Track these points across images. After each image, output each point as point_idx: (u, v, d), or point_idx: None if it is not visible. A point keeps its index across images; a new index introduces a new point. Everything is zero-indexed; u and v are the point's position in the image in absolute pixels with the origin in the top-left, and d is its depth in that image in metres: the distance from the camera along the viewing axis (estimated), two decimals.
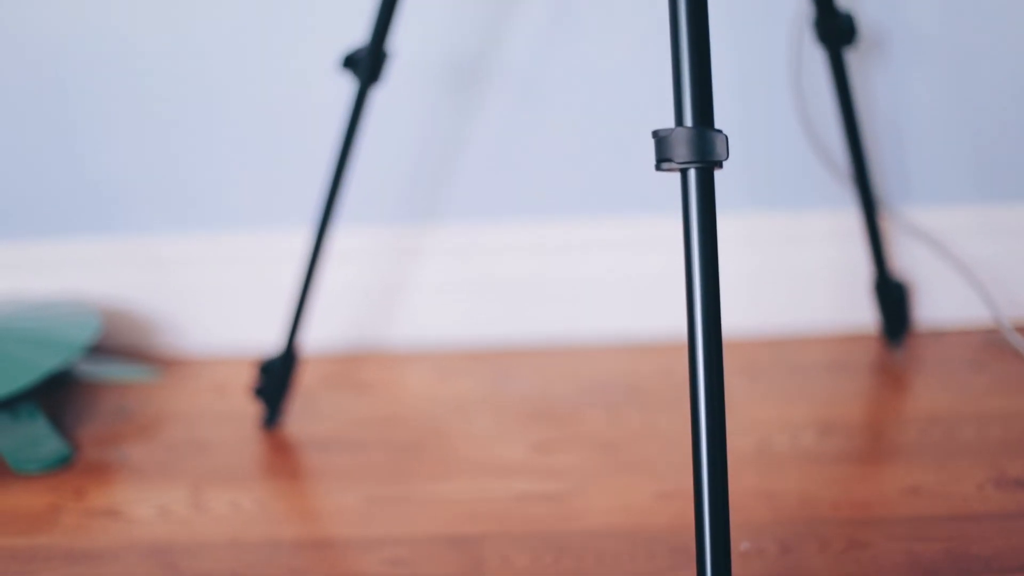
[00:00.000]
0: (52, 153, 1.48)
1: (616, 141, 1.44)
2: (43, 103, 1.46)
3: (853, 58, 1.36)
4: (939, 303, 1.45)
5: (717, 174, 0.80)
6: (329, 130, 1.36)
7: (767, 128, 1.42)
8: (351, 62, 1.21)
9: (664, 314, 1.45)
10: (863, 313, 1.44)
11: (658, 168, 0.80)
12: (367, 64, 1.20)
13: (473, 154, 1.46)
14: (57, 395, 1.41)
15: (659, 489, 1.15)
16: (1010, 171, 1.43)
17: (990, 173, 1.43)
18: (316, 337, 1.47)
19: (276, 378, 1.30)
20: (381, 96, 1.35)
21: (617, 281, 1.47)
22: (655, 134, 0.80)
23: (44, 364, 1.32)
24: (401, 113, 1.43)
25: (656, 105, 1.30)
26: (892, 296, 1.38)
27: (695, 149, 0.78)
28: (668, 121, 0.84)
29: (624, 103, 1.42)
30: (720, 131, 0.79)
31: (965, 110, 1.42)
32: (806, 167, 1.42)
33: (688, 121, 0.79)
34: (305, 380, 1.41)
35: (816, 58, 1.36)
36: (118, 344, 1.52)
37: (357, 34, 1.31)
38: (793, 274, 1.46)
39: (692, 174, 0.79)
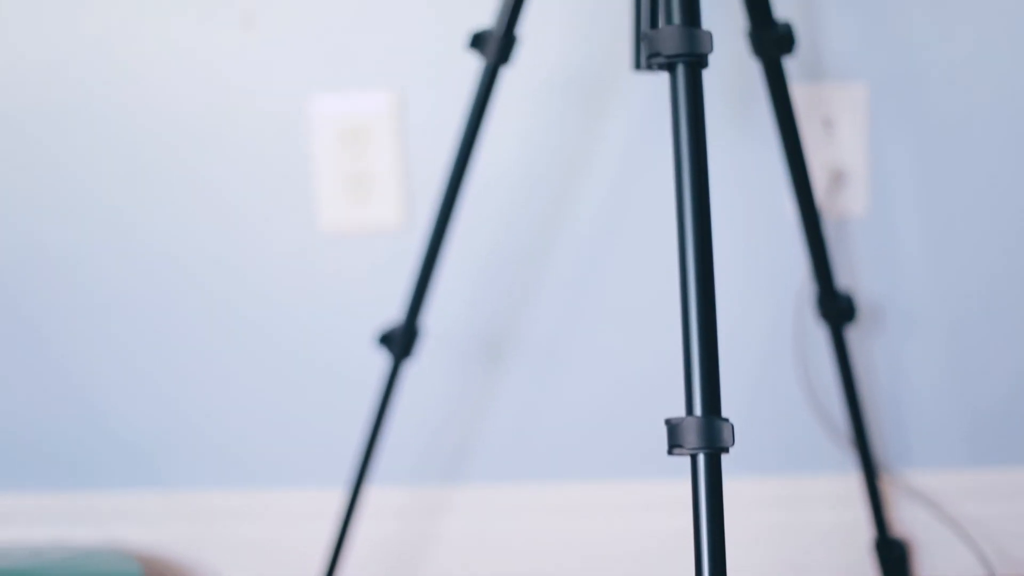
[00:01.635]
0: (81, 408, 1.56)
1: (631, 414, 1.52)
2: (79, 363, 1.56)
3: (853, 330, 1.46)
4: (938, 562, 1.50)
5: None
6: (361, 396, 1.45)
7: (772, 396, 1.51)
8: (387, 339, 1.31)
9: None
10: (865, 573, 1.50)
11: (670, 452, 0.88)
12: (401, 341, 1.30)
13: (496, 421, 1.54)
14: None
15: None
16: (1002, 437, 1.50)
17: (984, 438, 1.50)
18: None
19: None
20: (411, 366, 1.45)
21: (631, 542, 1.53)
22: (668, 422, 0.89)
23: None
24: (428, 382, 1.52)
25: (668, 384, 1.39)
26: (893, 556, 1.43)
27: (704, 437, 0.87)
28: (680, 398, 0.93)
29: (639, 380, 1.52)
30: (727, 420, 0.88)
31: (959, 379, 1.49)
32: (809, 433, 1.50)
33: (697, 410, 0.88)
34: None
35: (819, 332, 1.46)
36: None
37: (391, 311, 1.42)
38: (796, 536, 1.51)
39: (701, 459, 0.87)
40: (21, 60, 1.45)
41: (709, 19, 1.32)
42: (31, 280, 1.52)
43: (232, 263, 1.51)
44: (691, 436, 0.87)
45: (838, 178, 1.45)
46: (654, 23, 1.10)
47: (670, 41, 0.92)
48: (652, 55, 0.94)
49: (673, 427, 0.88)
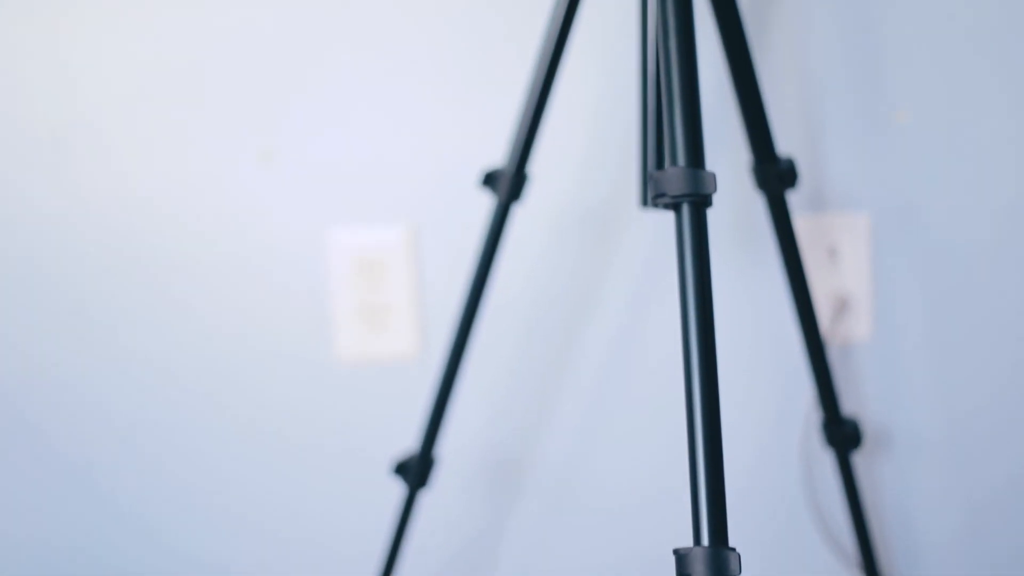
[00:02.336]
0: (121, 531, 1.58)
1: (642, 542, 1.54)
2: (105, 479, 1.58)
3: (860, 454, 1.48)
4: None
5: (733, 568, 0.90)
6: (378, 523, 1.48)
7: (780, 522, 1.53)
8: (402, 468, 1.34)
9: None
10: None
11: None
12: (416, 470, 1.33)
13: (509, 549, 1.56)
14: None
15: None
16: (1011, 557, 1.52)
17: (992, 558, 1.52)
18: None
19: None
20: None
21: None
22: (676, 552, 0.91)
23: None
24: (442, 509, 1.54)
25: (678, 511, 1.41)
26: None
27: (711, 568, 0.88)
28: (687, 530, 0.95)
29: (649, 508, 1.54)
30: (733, 549, 0.89)
31: (966, 500, 1.52)
32: (817, 558, 1.51)
33: (705, 540, 0.90)
34: None
35: (825, 456, 1.48)
36: None
37: (406, 440, 1.45)
38: None
39: None
40: (46, 196, 1.49)
41: (714, 153, 1.38)
42: (58, 410, 1.55)
43: (251, 390, 1.53)
44: (699, 566, 0.89)
45: (843, 305, 1.48)
46: (660, 164, 1.14)
47: (675, 182, 0.96)
48: (658, 195, 0.97)
49: (681, 557, 0.90)
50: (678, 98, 0.98)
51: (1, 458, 1.55)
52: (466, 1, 1.43)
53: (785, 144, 1.41)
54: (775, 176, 1.24)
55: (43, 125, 1.47)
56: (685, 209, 0.96)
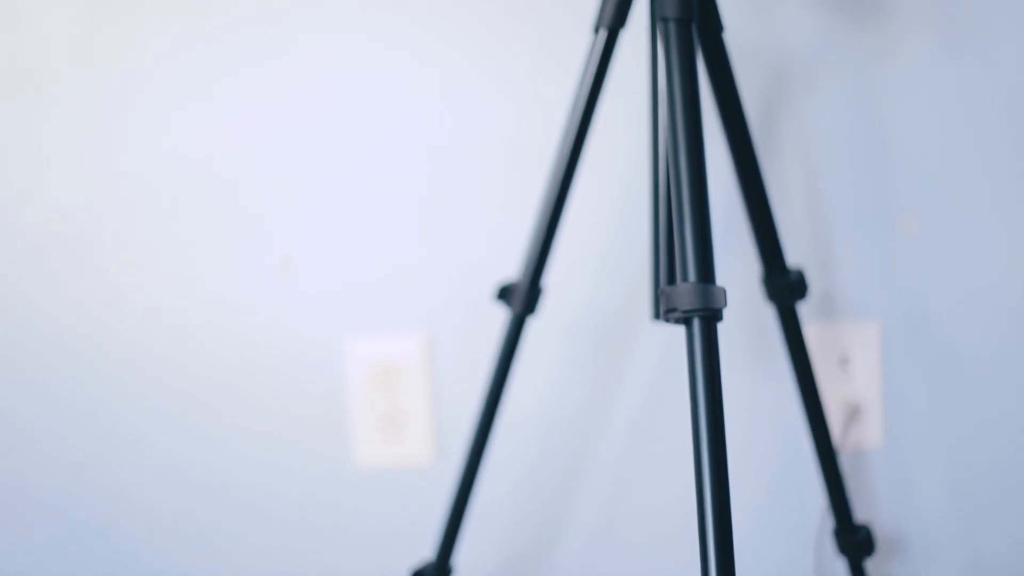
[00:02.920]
0: None
1: None
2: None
3: (873, 561, 1.48)
4: None
5: None
6: None
7: None
8: None
9: None
10: None
11: None
12: None
13: None
14: None
15: None
16: None
17: None
18: None
19: None
20: None
21: None
22: None
23: None
24: None
25: None
26: None
27: None
28: None
29: None
30: None
31: None
32: None
33: None
34: None
35: (839, 563, 1.49)
36: None
37: (424, 547, 1.46)
38: None
39: None
40: (74, 307, 1.52)
41: (725, 265, 1.41)
42: (90, 510, 1.56)
43: (270, 493, 1.54)
44: None
45: (854, 412, 1.49)
46: (671, 278, 1.16)
47: (686, 297, 0.98)
48: (669, 310, 0.99)
49: None
50: (688, 214, 1.00)
51: (37, 560, 1.56)
52: (479, 115, 1.46)
53: (795, 254, 1.43)
54: (785, 288, 1.26)
55: (65, 234, 1.50)
56: (696, 324, 0.98)
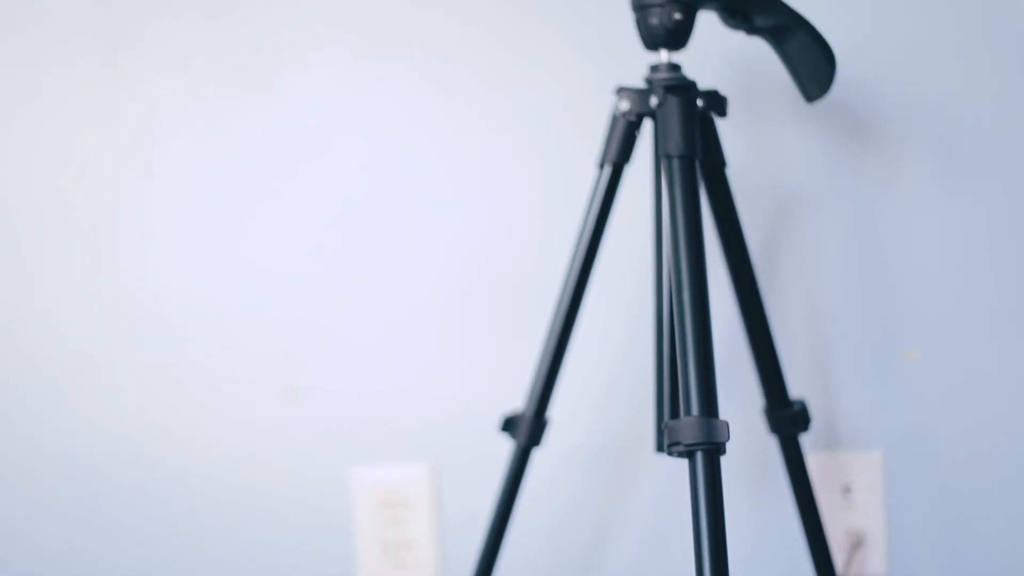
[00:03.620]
0: None
1: None
2: None
3: None
4: None
5: None
6: None
7: None
8: None
9: None
10: None
11: None
12: None
13: None
14: None
15: None
16: None
17: None
18: None
19: None
20: None
21: None
22: None
23: None
24: None
25: None
26: None
27: None
28: None
29: None
30: None
31: None
32: None
33: None
34: None
35: None
36: None
37: None
38: None
39: None
40: (78, 434, 1.53)
41: (727, 397, 1.42)
42: None
43: None
44: None
45: (858, 542, 1.49)
46: (675, 412, 1.17)
47: (689, 431, 0.99)
48: (672, 443, 1.00)
49: None
50: (691, 348, 1.02)
51: None
52: (484, 250, 1.49)
53: (796, 383, 1.44)
54: (788, 419, 1.27)
55: (78, 357, 1.52)
56: (699, 457, 0.99)
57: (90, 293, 1.51)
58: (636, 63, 1.27)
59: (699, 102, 1.16)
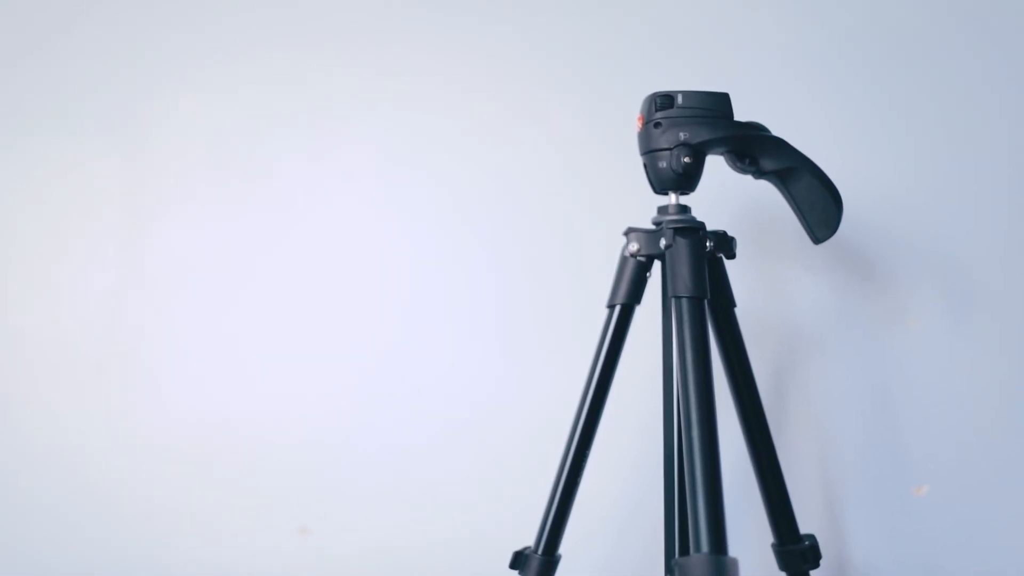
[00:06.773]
0: None
1: None
2: None
3: None
4: None
5: None
6: None
7: None
8: None
9: None
10: None
11: None
12: None
13: None
14: None
15: None
16: None
17: None
18: None
19: None
20: None
21: None
22: None
23: None
24: None
25: None
26: None
27: None
28: None
29: None
30: None
31: None
32: None
33: None
34: None
35: None
36: None
37: None
38: None
39: None
40: (95, 559, 1.54)
41: (736, 533, 1.42)
42: None
43: None
44: None
45: None
46: (684, 549, 1.18)
47: (699, 569, 0.99)
48: None
49: None
50: (701, 486, 1.03)
51: None
52: (494, 388, 1.50)
53: (806, 521, 1.44)
54: (798, 555, 1.27)
55: (96, 485, 1.53)
56: None
57: (113, 425, 1.53)
58: (645, 206, 1.30)
59: (708, 243, 1.19)
